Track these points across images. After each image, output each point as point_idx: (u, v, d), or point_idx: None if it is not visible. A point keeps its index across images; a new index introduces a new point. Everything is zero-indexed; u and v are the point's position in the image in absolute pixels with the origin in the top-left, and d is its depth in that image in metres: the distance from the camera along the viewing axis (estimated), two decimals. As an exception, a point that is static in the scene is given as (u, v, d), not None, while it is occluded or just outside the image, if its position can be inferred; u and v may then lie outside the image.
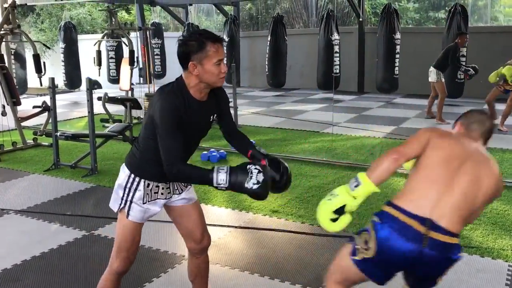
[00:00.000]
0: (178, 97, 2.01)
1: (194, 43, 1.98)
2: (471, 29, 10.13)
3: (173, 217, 2.36)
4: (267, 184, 1.93)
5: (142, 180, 2.15)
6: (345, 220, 1.85)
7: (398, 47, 10.36)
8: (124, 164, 2.22)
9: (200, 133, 2.21)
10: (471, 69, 7.67)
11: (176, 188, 2.27)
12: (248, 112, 8.99)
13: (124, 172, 2.19)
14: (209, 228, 2.44)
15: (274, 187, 2.15)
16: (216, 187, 1.95)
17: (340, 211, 1.83)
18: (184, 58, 2.00)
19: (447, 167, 1.78)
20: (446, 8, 16.04)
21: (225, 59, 2.13)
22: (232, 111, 3.36)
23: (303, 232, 3.67)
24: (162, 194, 2.21)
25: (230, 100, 2.44)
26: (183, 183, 2.29)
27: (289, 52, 11.84)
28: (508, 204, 4.15)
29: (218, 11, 14.35)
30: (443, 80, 7.77)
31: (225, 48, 2.26)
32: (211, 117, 2.21)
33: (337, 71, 11.05)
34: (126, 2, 13.53)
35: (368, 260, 1.79)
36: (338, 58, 11.03)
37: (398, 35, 10.36)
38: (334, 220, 1.84)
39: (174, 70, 7.94)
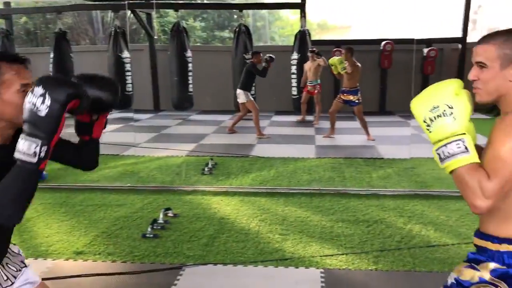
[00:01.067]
0: None
1: None
2: (256, 48, 10.91)
3: None
4: None
5: None
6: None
7: (190, 64, 10.55)
8: None
9: None
10: (269, 57, 8.16)
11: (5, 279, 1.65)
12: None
13: None
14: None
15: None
16: (39, 162, 1.34)
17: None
18: None
19: None
20: (229, 28, 17.13)
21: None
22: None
23: (115, 272, 3.28)
24: None
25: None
26: (14, 267, 1.68)
27: (76, 69, 11.00)
28: (308, 210, 4.46)
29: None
30: (251, 98, 8.11)
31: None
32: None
33: (130, 89, 10.69)
34: None
35: None
36: (130, 76, 10.68)
37: (189, 53, 10.54)
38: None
39: None
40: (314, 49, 9.11)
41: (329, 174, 5.74)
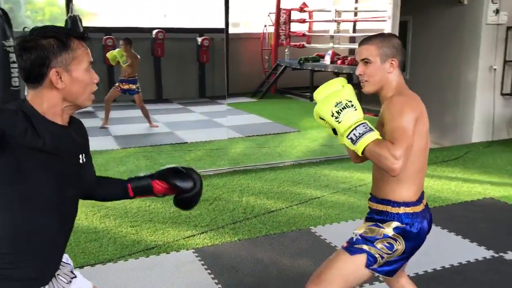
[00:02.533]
0: (17, 113, 1.30)
1: (53, 40, 1.34)
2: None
3: None
4: None
5: None
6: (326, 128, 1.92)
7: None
8: None
9: (75, 182, 1.45)
10: None
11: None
12: None
13: None
14: None
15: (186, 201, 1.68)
16: None
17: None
18: (37, 66, 1.33)
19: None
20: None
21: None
22: None
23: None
24: None
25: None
26: (65, 278, 1.50)
27: None
28: (146, 200, 4.44)
29: None
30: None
31: None
32: (81, 157, 1.45)
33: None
34: None
35: (391, 261, 1.86)
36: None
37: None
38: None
39: None
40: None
41: (144, 163, 5.74)
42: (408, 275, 2.24)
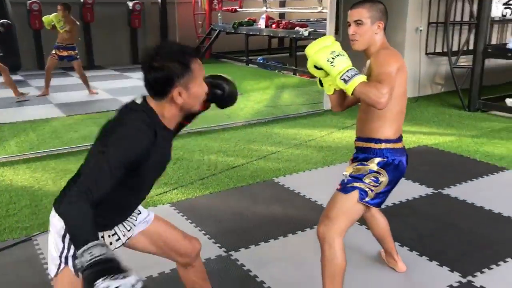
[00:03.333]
0: (149, 136, 1.62)
1: (179, 64, 1.58)
2: None
3: (142, 246, 1.97)
4: None
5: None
6: (321, 74, 2.14)
7: None
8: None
9: (158, 176, 1.85)
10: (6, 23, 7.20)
11: (128, 228, 1.90)
12: None
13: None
14: None
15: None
16: (74, 263, 1.59)
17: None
18: (163, 85, 1.59)
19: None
20: None
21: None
22: None
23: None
24: (111, 243, 1.82)
25: None
26: (133, 216, 1.92)
27: None
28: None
29: None
30: None
31: None
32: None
33: None
34: None
35: (379, 193, 2.19)
36: None
37: None
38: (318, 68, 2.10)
39: None
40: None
41: (96, 129, 5.73)
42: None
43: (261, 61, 10.85)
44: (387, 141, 2.20)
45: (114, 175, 1.52)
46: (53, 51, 7.47)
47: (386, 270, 2.75)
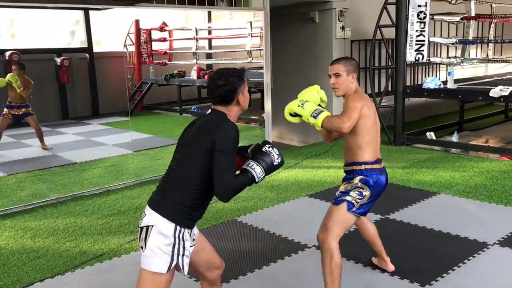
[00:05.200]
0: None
1: (237, 78, 2.25)
2: None
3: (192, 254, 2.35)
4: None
5: (187, 230, 2.21)
6: (296, 120, 2.71)
7: None
8: (158, 214, 2.27)
9: None
10: None
11: (196, 231, 2.39)
12: None
13: (167, 227, 2.18)
14: None
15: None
16: (256, 182, 2.17)
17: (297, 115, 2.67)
18: (231, 93, 2.23)
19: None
20: None
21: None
22: None
23: None
24: (193, 240, 2.35)
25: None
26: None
27: None
28: (70, 216, 4.54)
29: None
30: None
31: None
32: None
33: None
34: None
35: (363, 204, 2.71)
36: None
37: None
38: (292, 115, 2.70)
39: None
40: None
41: (45, 185, 5.68)
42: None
43: (195, 110, 11.18)
44: (366, 163, 2.75)
45: (233, 156, 2.15)
46: (5, 111, 7.32)
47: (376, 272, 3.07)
